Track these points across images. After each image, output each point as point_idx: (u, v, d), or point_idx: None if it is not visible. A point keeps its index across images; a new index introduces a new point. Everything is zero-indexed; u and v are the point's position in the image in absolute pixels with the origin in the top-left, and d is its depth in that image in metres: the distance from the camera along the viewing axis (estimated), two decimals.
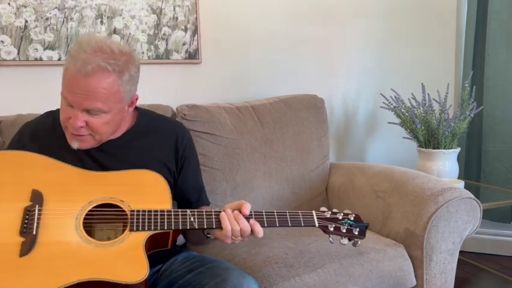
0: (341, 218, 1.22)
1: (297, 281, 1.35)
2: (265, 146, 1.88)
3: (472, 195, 1.58)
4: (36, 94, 1.80)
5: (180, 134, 1.36)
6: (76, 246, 1.05)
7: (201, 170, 1.47)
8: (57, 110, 1.27)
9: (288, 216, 1.18)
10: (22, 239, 1.03)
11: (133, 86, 1.19)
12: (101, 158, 1.23)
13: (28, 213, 1.07)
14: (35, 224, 1.05)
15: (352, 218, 1.22)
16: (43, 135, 1.25)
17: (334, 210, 1.23)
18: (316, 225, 1.19)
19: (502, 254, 2.52)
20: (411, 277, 1.54)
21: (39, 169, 1.13)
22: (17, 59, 1.75)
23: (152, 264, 1.27)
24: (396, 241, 1.59)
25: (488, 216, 2.46)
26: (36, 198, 1.09)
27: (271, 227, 1.17)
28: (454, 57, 2.66)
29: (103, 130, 1.17)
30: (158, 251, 1.28)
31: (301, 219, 1.19)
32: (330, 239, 1.20)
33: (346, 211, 1.24)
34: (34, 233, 1.05)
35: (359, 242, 1.20)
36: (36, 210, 1.07)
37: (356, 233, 1.20)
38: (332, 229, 1.19)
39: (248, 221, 1.13)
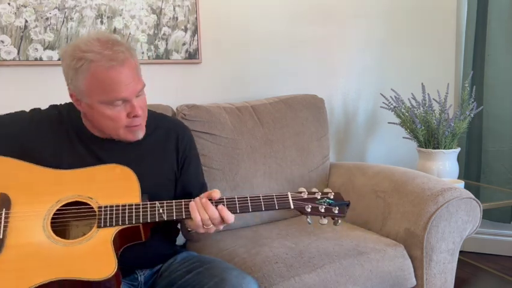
0: (319, 197, 1.16)
1: (297, 281, 1.35)
2: (265, 146, 1.88)
3: (472, 195, 1.58)
4: (36, 94, 1.80)
5: (181, 133, 1.35)
6: (44, 246, 1.05)
7: (202, 168, 1.45)
8: (62, 106, 1.27)
9: (261, 200, 1.14)
10: None
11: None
12: (105, 157, 1.21)
13: None
14: (1, 228, 1.06)
15: (332, 197, 1.16)
16: (47, 129, 1.22)
17: (313, 189, 1.18)
18: (292, 207, 1.14)
19: (502, 254, 2.52)
20: (411, 277, 1.54)
21: (7, 172, 1.12)
22: (17, 59, 1.75)
23: (152, 264, 1.28)
24: (396, 241, 1.59)
25: (488, 216, 2.46)
26: (4, 202, 1.09)
27: (245, 213, 1.15)
28: (454, 57, 2.66)
29: (146, 110, 1.20)
30: (159, 251, 1.28)
31: (276, 202, 1.15)
32: (308, 219, 1.14)
33: (326, 190, 1.18)
34: (1, 236, 1.05)
35: (340, 221, 1.16)
36: (3, 214, 1.07)
37: (336, 211, 1.15)
38: (309, 210, 1.14)
39: (216, 208, 1.12)
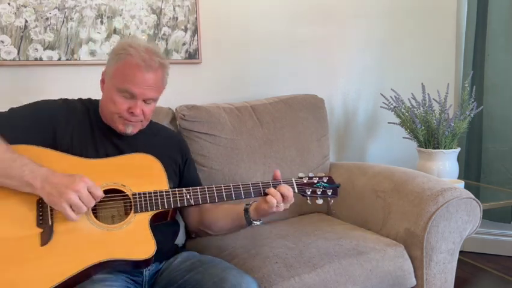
0: (316, 181, 1.35)
1: (296, 281, 1.35)
2: (265, 146, 1.88)
3: (472, 195, 1.58)
4: (37, 94, 1.79)
5: (179, 138, 1.55)
6: (89, 231, 1.14)
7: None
8: (85, 100, 1.37)
9: (271, 185, 1.29)
10: (40, 230, 1.11)
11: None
12: (121, 146, 1.32)
13: (40, 205, 1.14)
14: (49, 215, 1.13)
15: (326, 180, 1.36)
16: (76, 117, 1.31)
17: (310, 174, 1.37)
18: (296, 190, 1.32)
19: (502, 254, 2.52)
20: (411, 277, 1.54)
21: (44, 161, 1.16)
22: (17, 59, 1.75)
23: (156, 259, 1.29)
24: (396, 241, 1.58)
25: (488, 216, 2.46)
26: None
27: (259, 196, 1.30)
28: (454, 57, 2.66)
29: (150, 116, 1.33)
30: (162, 246, 1.30)
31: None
32: (308, 201, 1.34)
33: (319, 174, 1.38)
34: (50, 223, 1.12)
35: (332, 201, 1.35)
36: None
37: (330, 193, 1.34)
38: (309, 193, 1.33)
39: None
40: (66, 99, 1.35)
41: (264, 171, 1.85)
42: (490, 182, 2.45)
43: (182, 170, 1.45)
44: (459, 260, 1.65)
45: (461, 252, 1.91)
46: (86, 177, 1.11)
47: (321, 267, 1.40)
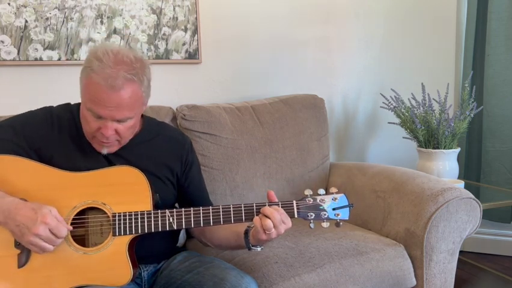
0: (323, 203, 1.17)
1: (297, 281, 1.35)
2: (265, 146, 1.88)
3: (472, 195, 1.58)
4: (36, 94, 1.80)
5: (181, 140, 1.39)
6: (65, 255, 1.11)
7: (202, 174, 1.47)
8: (74, 105, 1.27)
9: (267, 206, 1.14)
10: (18, 251, 1.09)
11: (150, 87, 1.20)
12: (114, 160, 1.24)
13: None
14: None
15: (337, 200, 1.18)
16: (61, 130, 1.24)
17: (319, 191, 1.19)
18: (296, 216, 1.16)
19: (502, 254, 2.52)
20: (411, 277, 1.54)
21: (22, 175, 1.13)
22: (17, 59, 1.75)
23: (155, 260, 1.30)
24: (396, 241, 1.59)
25: (488, 216, 2.46)
26: None
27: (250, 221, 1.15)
28: (454, 57, 2.66)
29: (128, 134, 1.20)
30: (162, 246, 1.30)
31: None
32: (311, 225, 1.17)
33: (331, 191, 1.19)
34: None
35: (341, 223, 1.18)
36: None
37: (339, 217, 1.17)
38: (312, 218, 1.17)
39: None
40: (50, 110, 1.26)
41: (264, 171, 1.85)
42: (490, 182, 2.45)
43: (182, 180, 1.35)
44: (459, 260, 1.65)
45: (461, 252, 1.91)
46: (49, 215, 1.04)
47: (321, 267, 1.40)
